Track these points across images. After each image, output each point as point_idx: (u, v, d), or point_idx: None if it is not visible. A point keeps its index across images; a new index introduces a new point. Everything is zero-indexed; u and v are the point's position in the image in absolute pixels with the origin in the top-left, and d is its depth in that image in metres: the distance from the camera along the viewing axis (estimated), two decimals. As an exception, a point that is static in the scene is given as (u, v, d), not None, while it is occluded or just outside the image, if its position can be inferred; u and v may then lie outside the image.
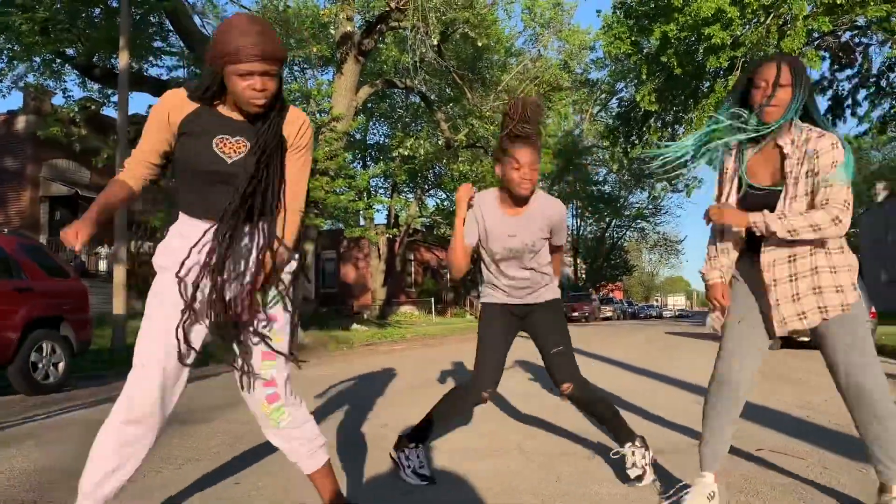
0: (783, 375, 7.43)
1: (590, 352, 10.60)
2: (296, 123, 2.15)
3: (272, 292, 2.17)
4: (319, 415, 4.74)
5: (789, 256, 2.41)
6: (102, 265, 19.45)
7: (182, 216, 2.15)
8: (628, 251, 58.41)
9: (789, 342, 11.15)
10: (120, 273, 10.80)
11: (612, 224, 48.08)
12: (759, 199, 2.44)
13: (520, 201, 2.86)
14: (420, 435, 3.07)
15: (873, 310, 11.12)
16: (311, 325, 16.26)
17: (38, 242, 8.62)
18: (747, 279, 2.56)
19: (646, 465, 2.92)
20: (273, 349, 2.14)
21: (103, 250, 19.43)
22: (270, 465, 3.39)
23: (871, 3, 13.57)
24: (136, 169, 2.11)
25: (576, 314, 34.58)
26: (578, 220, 46.56)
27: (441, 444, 3.82)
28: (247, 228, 2.12)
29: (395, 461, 3.09)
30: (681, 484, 2.68)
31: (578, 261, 48.68)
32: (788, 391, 6.02)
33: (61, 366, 6.82)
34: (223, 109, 2.10)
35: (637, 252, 66.27)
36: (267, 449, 3.74)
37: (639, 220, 49.53)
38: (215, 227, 2.08)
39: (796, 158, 2.37)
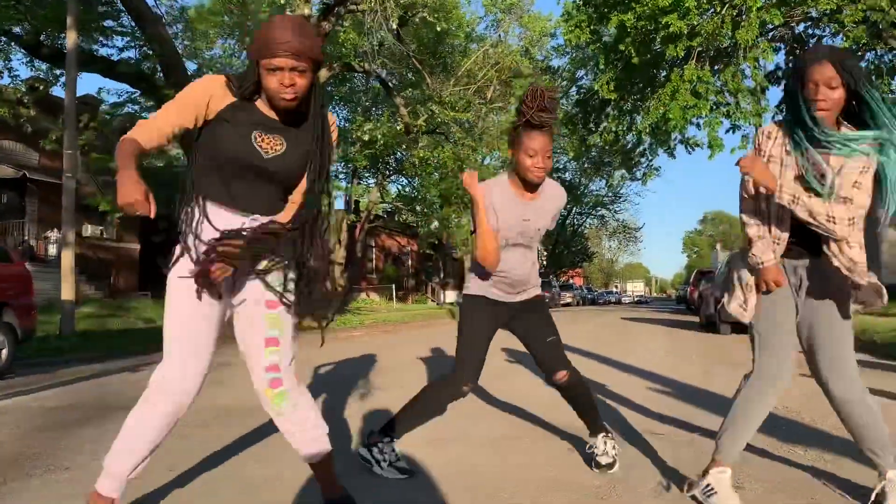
0: (724, 359, 7.63)
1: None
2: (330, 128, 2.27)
3: (277, 278, 2.20)
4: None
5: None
6: (52, 250, 18.96)
7: (203, 203, 2.15)
8: (588, 238, 58.98)
9: (741, 327, 11.41)
10: (68, 258, 10.54)
11: (573, 211, 48.42)
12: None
13: (531, 187, 2.87)
14: (394, 429, 2.97)
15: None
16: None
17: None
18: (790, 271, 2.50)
19: (615, 455, 2.99)
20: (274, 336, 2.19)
21: (53, 235, 18.92)
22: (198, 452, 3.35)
23: (823, -5, 13.84)
24: (150, 133, 2.04)
25: (536, 300, 34.91)
26: (540, 207, 46.70)
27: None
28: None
29: (365, 459, 2.96)
30: (706, 485, 2.53)
31: (540, 247, 48.97)
32: (726, 374, 6.22)
33: (4, 353, 6.63)
34: (261, 107, 2.14)
35: (597, 239, 67.00)
36: (201, 436, 3.70)
37: (599, 208, 49.95)
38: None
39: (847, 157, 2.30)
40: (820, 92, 2.26)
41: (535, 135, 2.75)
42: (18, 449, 3.43)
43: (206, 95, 2.08)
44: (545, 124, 2.75)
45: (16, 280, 7.13)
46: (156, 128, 2.04)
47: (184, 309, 2.09)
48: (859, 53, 19.18)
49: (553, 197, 2.96)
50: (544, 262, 48.76)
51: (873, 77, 19.58)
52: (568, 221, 48.48)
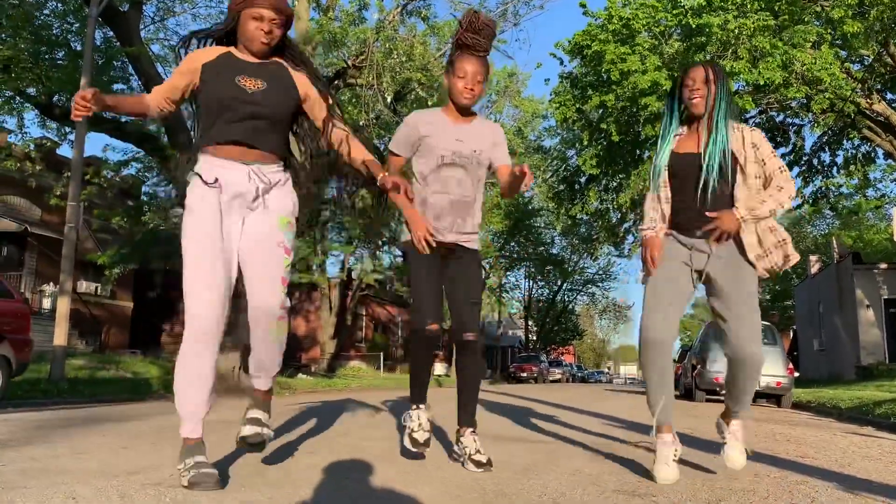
0: (686, 412, 7.96)
1: (529, 396, 11.04)
2: (301, 80, 2.73)
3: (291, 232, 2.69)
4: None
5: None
6: (47, 303, 19.25)
7: (207, 157, 2.59)
8: (580, 315, 58.89)
9: (716, 395, 11.77)
10: (64, 304, 10.87)
11: (563, 287, 48.53)
12: (683, 161, 2.99)
13: (463, 111, 2.99)
14: (415, 396, 3.12)
15: (790, 366, 11.81)
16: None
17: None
18: (685, 244, 2.98)
19: (483, 452, 3.01)
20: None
21: (48, 288, 19.26)
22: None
23: (793, 85, 14.70)
24: (157, 96, 2.62)
25: (524, 375, 34.91)
26: (530, 282, 47.10)
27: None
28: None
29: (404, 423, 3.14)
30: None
31: (530, 323, 49.04)
32: (681, 418, 6.56)
33: (-1, 383, 6.94)
34: (238, 54, 2.66)
35: (588, 318, 66.94)
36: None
37: (589, 285, 50.19)
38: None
39: (742, 147, 2.89)
40: (697, 85, 2.93)
41: (466, 57, 2.91)
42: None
43: (195, 62, 2.61)
44: (476, 47, 2.90)
45: (14, 315, 7.49)
46: (160, 91, 2.63)
47: (197, 236, 2.52)
48: (836, 138, 20.14)
49: (487, 126, 3.12)
50: (534, 338, 48.74)
51: (850, 165, 20.50)
52: (558, 297, 48.70)
